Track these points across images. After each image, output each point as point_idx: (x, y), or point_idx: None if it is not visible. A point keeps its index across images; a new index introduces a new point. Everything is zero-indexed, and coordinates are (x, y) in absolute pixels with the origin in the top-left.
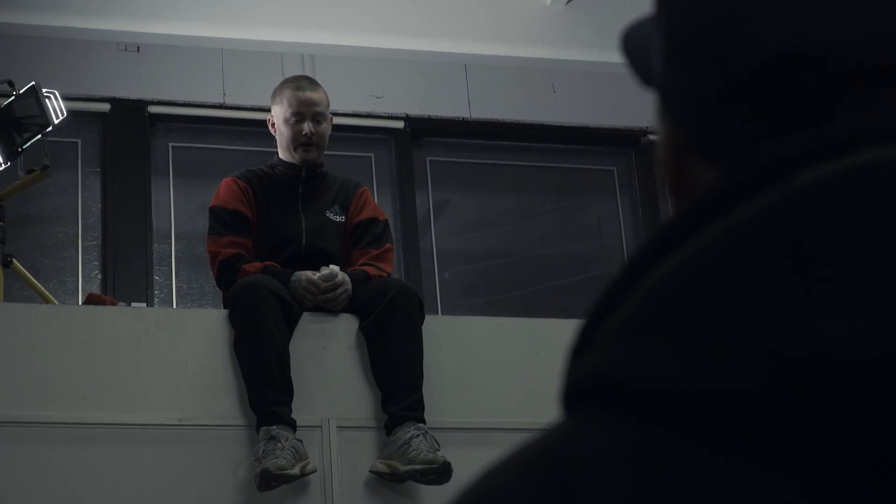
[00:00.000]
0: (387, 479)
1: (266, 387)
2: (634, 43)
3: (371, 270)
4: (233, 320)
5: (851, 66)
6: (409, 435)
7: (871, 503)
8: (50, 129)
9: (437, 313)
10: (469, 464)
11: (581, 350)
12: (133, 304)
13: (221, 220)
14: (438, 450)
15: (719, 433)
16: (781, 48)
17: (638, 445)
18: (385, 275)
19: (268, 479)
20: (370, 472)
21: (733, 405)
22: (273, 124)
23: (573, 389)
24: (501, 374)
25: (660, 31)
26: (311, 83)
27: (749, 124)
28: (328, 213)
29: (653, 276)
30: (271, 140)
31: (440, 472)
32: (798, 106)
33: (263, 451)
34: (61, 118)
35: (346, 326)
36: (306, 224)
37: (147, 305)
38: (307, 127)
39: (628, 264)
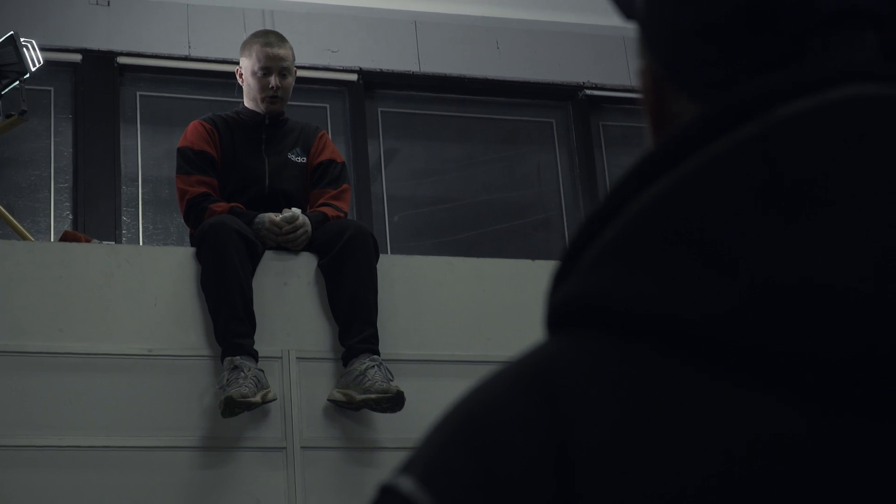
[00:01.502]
0: (343, 408)
1: (231, 320)
2: None
3: (329, 211)
4: (199, 258)
5: (828, 7)
6: (365, 366)
7: (840, 424)
8: (27, 76)
9: (388, 253)
10: (420, 393)
11: (564, 274)
12: (105, 243)
13: (189, 159)
14: (392, 380)
15: (700, 352)
16: None
17: (623, 363)
18: (342, 214)
19: (231, 407)
20: (328, 400)
21: (712, 328)
22: (241, 75)
23: (557, 311)
24: (450, 309)
25: None
26: (280, 39)
27: (728, 61)
28: (290, 155)
29: (634, 203)
30: (233, 90)
31: (394, 401)
32: (775, 45)
33: (227, 380)
34: (38, 66)
35: (305, 264)
36: (269, 165)
37: (116, 244)
38: (273, 81)
39: (610, 192)
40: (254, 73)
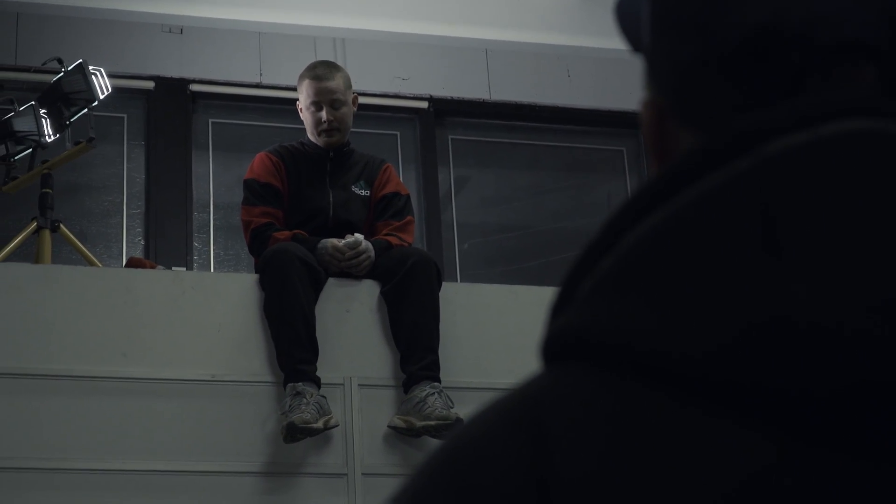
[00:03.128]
0: (403, 434)
1: (293, 346)
2: (626, 10)
3: (393, 240)
4: (263, 284)
5: (828, 42)
6: (425, 393)
7: (829, 459)
8: (95, 103)
9: (457, 282)
10: None
11: (560, 306)
12: (173, 269)
13: (254, 191)
14: (452, 407)
15: (690, 389)
16: (763, 23)
17: (612, 398)
18: (406, 244)
19: (293, 432)
20: (388, 427)
21: (702, 365)
22: (301, 109)
23: (552, 344)
24: (512, 338)
25: (649, 1)
26: (329, 69)
27: (730, 94)
28: (354, 188)
29: (629, 237)
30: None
31: (454, 428)
32: (777, 78)
33: (290, 406)
34: (106, 93)
35: (368, 291)
36: (333, 198)
37: (186, 270)
38: (325, 115)
39: (606, 225)
40: (307, 108)
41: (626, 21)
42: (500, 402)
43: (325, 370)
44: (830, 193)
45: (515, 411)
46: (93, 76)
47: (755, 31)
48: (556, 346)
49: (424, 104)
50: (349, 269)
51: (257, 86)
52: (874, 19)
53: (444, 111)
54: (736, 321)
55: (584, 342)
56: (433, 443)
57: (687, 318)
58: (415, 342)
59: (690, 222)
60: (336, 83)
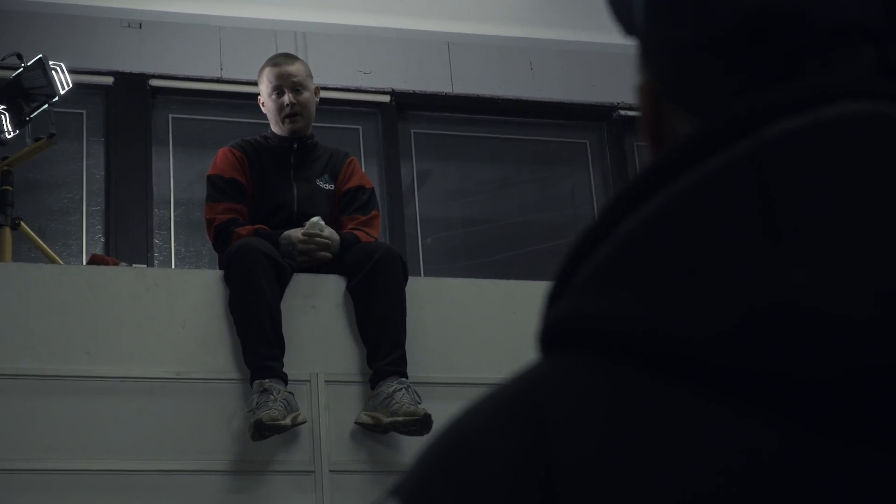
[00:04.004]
0: (370, 431)
1: (259, 343)
2: None
3: (361, 235)
4: (227, 281)
5: (825, 24)
6: (392, 388)
7: (829, 446)
8: (56, 99)
9: (421, 275)
10: (449, 416)
11: (557, 294)
12: (134, 266)
13: (218, 187)
14: (420, 403)
15: (687, 375)
16: (759, 5)
17: (610, 386)
18: (372, 239)
19: (261, 430)
20: (355, 423)
21: (700, 350)
22: (263, 104)
23: (549, 332)
24: (479, 332)
25: None
26: (288, 57)
27: (726, 78)
28: (318, 182)
29: (627, 223)
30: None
31: (421, 424)
32: (773, 61)
33: (257, 403)
34: (67, 89)
35: (333, 286)
36: (298, 192)
37: (147, 267)
38: (287, 98)
39: (603, 212)
40: (269, 96)
41: (618, 3)
42: (498, 392)
43: (291, 366)
44: (830, 177)
45: (514, 401)
46: (53, 71)
47: (751, 13)
48: (553, 335)
49: (386, 98)
50: (314, 256)
51: (218, 80)
52: (871, 1)
53: (407, 105)
54: (735, 307)
55: (582, 330)
56: (400, 439)
57: (685, 303)
58: (381, 337)
59: (688, 207)
60: (296, 68)
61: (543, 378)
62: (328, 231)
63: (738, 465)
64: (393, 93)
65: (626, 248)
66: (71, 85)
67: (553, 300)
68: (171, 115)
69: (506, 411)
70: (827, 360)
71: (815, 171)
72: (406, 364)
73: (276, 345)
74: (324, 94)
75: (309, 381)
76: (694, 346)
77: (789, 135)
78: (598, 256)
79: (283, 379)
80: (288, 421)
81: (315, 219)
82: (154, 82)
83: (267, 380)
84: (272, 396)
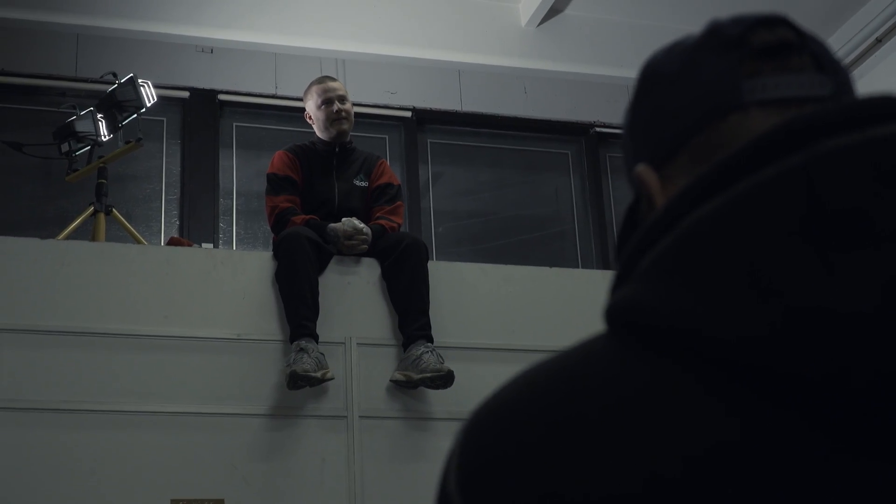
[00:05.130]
0: (403, 387)
1: (299, 305)
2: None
3: (385, 223)
4: (276, 256)
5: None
6: (420, 351)
7: (868, 447)
8: (144, 110)
9: (434, 258)
10: (463, 374)
11: (622, 278)
12: (203, 245)
13: (276, 183)
14: (443, 362)
15: (723, 372)
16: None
17: (642, 373)
18: (396, 225)
19: (295, 379)
20: (390, 381)
21: (738, 350)
22: (309, 117)
23: (610, 313)
24: (484, 306)
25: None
26: (330, 77)
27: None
28: (355, 181)
29: (685, 221)
30: (308, 124)
31: (446, 379)
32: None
33: (294, 359)
34: (153, 102)
35: (366, 268)
36: (339, 189)
37: (214, 246)
38: (337, 105)
39: (665, 208)
40: (318, 107)
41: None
42: (545, 366)
43: (328, 331)
44: (879, 193)
45: (562, 370)
46: (141, 87)
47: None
48: (612, 316)
49: (408, 114)
50: (357, 250)
51: (273, 96)
52: None
53: (424, 119)
54: (776, 309)
55: (634, 317)
56: (427, 392)
57: (729, 302)
58: (410, 306)
59: (743, 212)
60: (340, 84)
61: (586, 359)
62: (364, 227)
63: (706, 454)
64: (414, 110)
65: (683, 244)
66: (156, 99)
67: (618, 283)
68: (235, 124)
69: (553, 379)
70: (864, 364)
71: (864, 187)
72: (431, 328)
73: (313, 307)
74: (357, 109)
75: (344, 343)
76: (730, 344)
77: (841, 151)
78: (657, 249)
79: (316, 338)
80: (319, 375)
81: (349, 219)
82: (222, 97)
83: (303, 339)
84: (307, 354)
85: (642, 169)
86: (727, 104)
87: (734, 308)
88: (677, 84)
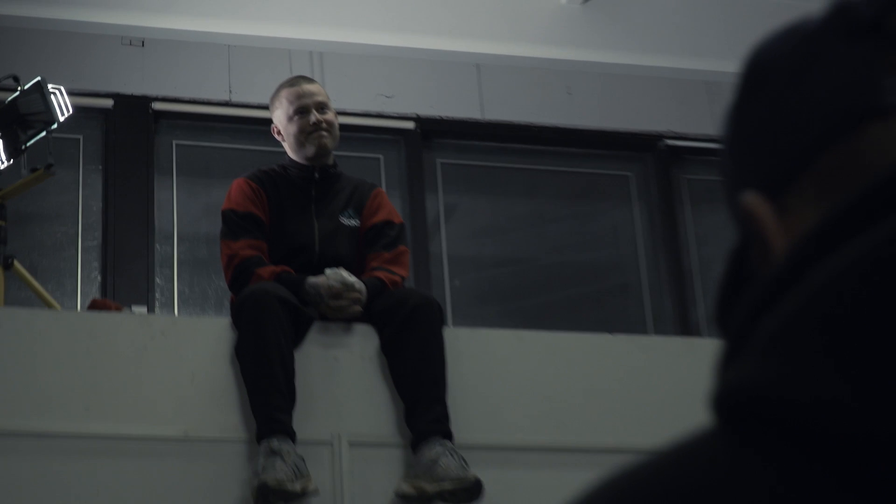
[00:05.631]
0: (413, 502)
1: (268, 391)
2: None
3: (384, 276)
4: (237, 325)
5: None
6: (436, 452)
7: None
8: (55, 126)
9: (449, 321)
10: (493, 485)
11: (735, 351)
12: (133, 308)
13: (234, 223)
14: (467, 468)
15: (877, 484)
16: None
17: (786, 490)
18: (399, 279)
19: (265, 494)
20: (396, 494)
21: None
22: (278, 132)
23: (722, 401)
24: (519, 389)
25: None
26: (306, 78)
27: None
28: (342, 218)
29: (818, 274)
30: (277, 140)
31: (471, 491)
32: None
33: (263, 466)
34: (67, 115)
35: (359, 338)
36: (319, 230)
37: (148, 309)
38: (314, 116)
39: (791, 256)
40: (290, 119)
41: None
42: (657, 464)
43: (308, 426)
44: None
45: (667, 480)
46: (51, 95)
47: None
48: (728, 403)
49: (410, 124)
50: (346, 312)
51: (226, 104)
52: None
53: (432, 132)
54: None
55: (761, 408)
56: None
57: (888, 394)
58: (421, 392)
59: (863, 279)
60: (317, 88)
61: (709, 466)
62: (356, 282)
63: None
64: (417, 119)
65: (819, 305)
66: (71, 110)
67: (731, 358)
68: (175, 142)
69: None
70: None
71: None
72: (449, 421)
73: (287, 395)
74: (342, 119)
75: (330, 443)
76: (883, 447)
77: None
78: (784, 310)
79: (293, 436)
80: (297, 487)
81: (335, 270)
82: (157, 105)
83: (275, 439)
84: (280, 458)
85: (750, 198)
86: (864, 109)
87: (882, 403)
88: (796, 84)
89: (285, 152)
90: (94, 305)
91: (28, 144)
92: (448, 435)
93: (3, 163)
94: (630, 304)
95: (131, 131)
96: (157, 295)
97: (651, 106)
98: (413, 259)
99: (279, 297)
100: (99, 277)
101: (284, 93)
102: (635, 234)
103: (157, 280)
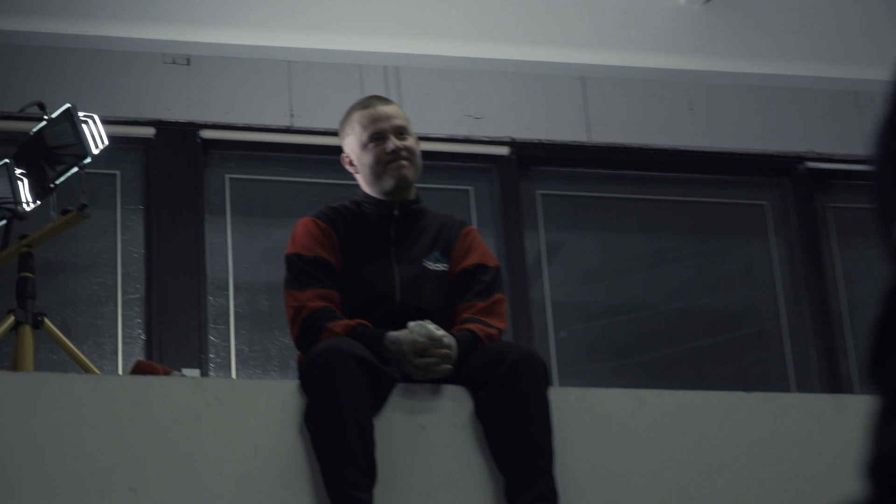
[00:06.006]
0: None
1: (345, 465)
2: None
3: (477, 328)
4: (306, 388)
5: None
6: None
7: None
8: (88, 160)
9: (554, 379)
10: None
11: (891, 414)
12: (184, 371)
13: (300, 270)
14: None
15: None
16: None
17: None
18: (496, 332)
19: None
20: None
21: None
22: (350, 161)
23: (884, 465)
24: (640, 458)
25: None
26: (381, 99)
27: None
28: (426, 262)
29: None
30: (349, 172)
31: None
32: None
33: None
34: (101, 147)
35: (450, 400)
36: (400, 276)
37: (201, 372)
38: (392, 143)
39: None
40: (364, 146)
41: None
42: None
43: None
44: None
45: None
46: (83, 125)
47: None
48: (889, 470)
49: (504, 150)
50: (424, 372)
51: (287, 130)
52: None
53: (530, 158)
54: None
55: None
56: None
57: None
58: (523, 464)
59: None
60: (395, 109)
61: None
62: (444, 336)
63: None
64: (512, 143)
65: None
66: (106, 141)
67: (889, 417)
68: (227, 175)
69: None
70: None
71: None
72: (557, 497)
73: (366, 469)
74: (424, 145)
75: None
76: None
77: None
78: None
79: None
80: None
81: (420, 323)
82: (206, 133)
83: None
84: None
85: None
86: None
87: None
88: None
89: (358, 186)
90: (137, 369)
91: (57, 182)
92: None
93: (28, 204)
94: (768, 357)
95: (177, 164)
96: (212, 355)
97: (789, 122)
98: (511, 308)
99: (355, 356)
100: (143, 336)
101: (356, 116)
102: (773, 274)
103: (211, 338)
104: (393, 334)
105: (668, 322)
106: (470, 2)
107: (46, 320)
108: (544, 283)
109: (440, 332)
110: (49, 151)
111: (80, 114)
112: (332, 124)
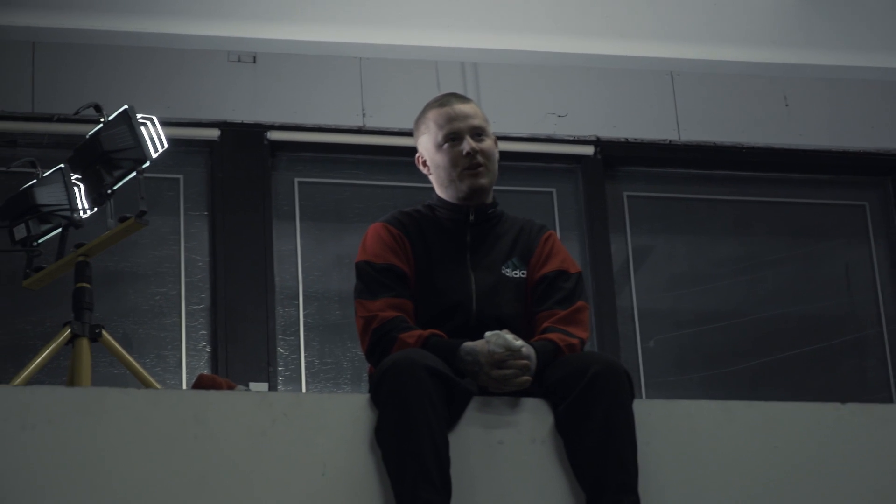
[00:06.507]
0: None
1: (418, 483)
2: None
3: (558, 338)
4: (377, 402)
5: None
6: None
7: None
8: (147, 164)
9: (641, 391)
10: None
11: None
12: (252, 385)
13: (371, 278)
14: None
15: None
16: None
17: None
18: (577, 342)
19: None
20: None
21: None
22: (423, 162)
23: None
24: (731, 473)
25: None
26: (459, 97)
27: None
28: (504, 269)
29: None
30: (422, 174)
31: None
32: None
33: None
34: (162, 150)
35: (529, 414)
36: (477, 284)
37: (269, 386)
38: (468, 144)
39: None
40: (439, 147)
41: None
42: None
43: None
44: None
45: None
46: (142, 127)
47: None
48: None
49: (589, 149)
50: (511, 383)
51: (359, 131)
52: None
53: (617, 158)
54: None
55: None
56: None
57: None
58: (606, 480)
59: None
60: (472, 108)
61: None
62: (523, 346)
63: None
64: (598, 142)
65: None
66: (166, 144)
67: None
68: (297, 179)
69: None
70: None
71: None
72: None
73: (440, 487)
74: (503, 145)
75: None
76: None
77: None
78: None
79: None
80: None
81: (497, 333)
82: (273, 135)
83: None
84: None
85: None
86: None
87: None
88: None
89: (432, 189)
90: (200, 383)
91: (115, 188)
92: None
93: (85, 211)
94: (868, 366)
95: (243, 167)
96: (281, 368)
97: (891, 118)
98: (596, 316)
99: (428, 368)
100: (208, 348)
101: (432, 114)
102: (875, 278)
103: (280, 350)
104: (469, 345)
105: (761, 330)
106: None
107: (105, 332)
108: (631, 290)
109: (518, 343)
110: (106, 155)
111: (139, 116)
112: (407, 124)
